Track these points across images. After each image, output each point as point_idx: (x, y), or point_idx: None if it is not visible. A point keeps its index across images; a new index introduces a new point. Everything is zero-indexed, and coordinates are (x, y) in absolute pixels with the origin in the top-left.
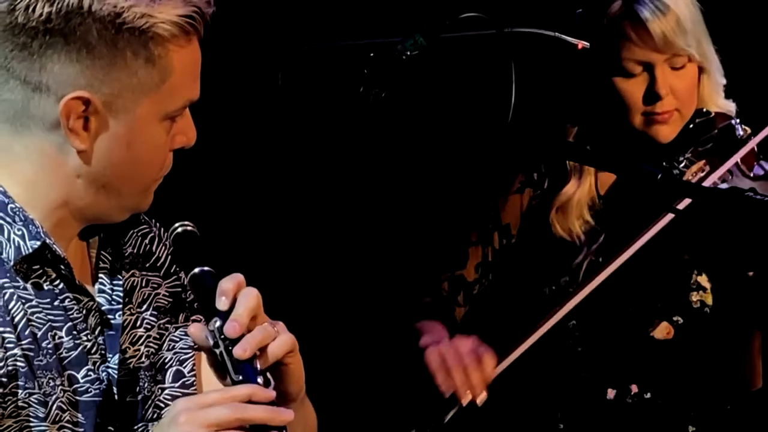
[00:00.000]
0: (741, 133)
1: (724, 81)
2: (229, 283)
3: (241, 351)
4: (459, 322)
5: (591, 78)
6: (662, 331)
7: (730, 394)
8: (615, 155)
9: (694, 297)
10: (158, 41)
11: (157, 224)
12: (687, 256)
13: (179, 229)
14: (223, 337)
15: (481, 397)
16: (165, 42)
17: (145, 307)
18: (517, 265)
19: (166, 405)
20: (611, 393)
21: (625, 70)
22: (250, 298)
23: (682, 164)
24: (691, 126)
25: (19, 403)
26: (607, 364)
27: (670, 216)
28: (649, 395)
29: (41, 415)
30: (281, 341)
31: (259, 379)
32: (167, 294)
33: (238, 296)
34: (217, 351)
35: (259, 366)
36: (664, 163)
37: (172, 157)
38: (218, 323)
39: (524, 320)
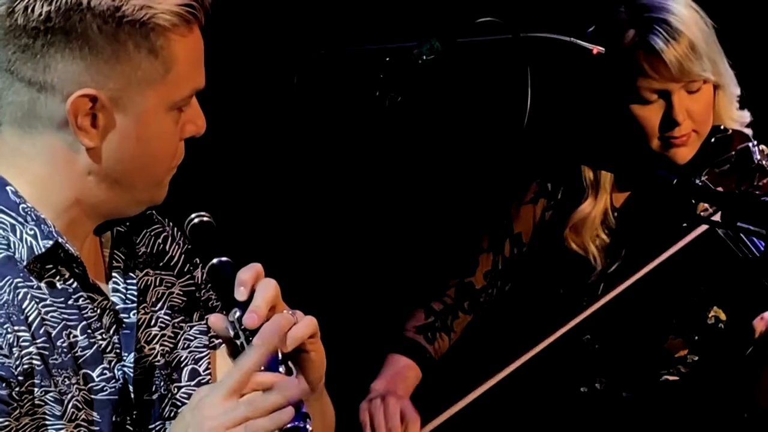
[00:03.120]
0: (758, 156)
1: (738, 91)
2: (247, 273)
3: (260, 341)
4: (463, 330)
5: (607, 103)
6: (677, 347)
7: (743, 409)
8: (631, 162)
9: (710, 313)
10: (159, 32)
11: (170, 224)
12: (702, 287)
13: (195, 220)
14: (243, 327)
15: None
16: (166, 32)
17: (159, 305)
18: (530, 278)
19: (183, 404)
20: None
21: (641, 97)
22: (269, 288)
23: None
24: (709, 143)
25: (36, 401)
26: (620, 379)
27: (686, 237)
28: (662, 411)
29: (57, 413)
30: (302, 326)
31: (281, 368)
32: (181, 293)
33: (257, 287)
34: (238, 342)
35: (280, 355)
36: None
37: (184, 147)
38: (238, 314)
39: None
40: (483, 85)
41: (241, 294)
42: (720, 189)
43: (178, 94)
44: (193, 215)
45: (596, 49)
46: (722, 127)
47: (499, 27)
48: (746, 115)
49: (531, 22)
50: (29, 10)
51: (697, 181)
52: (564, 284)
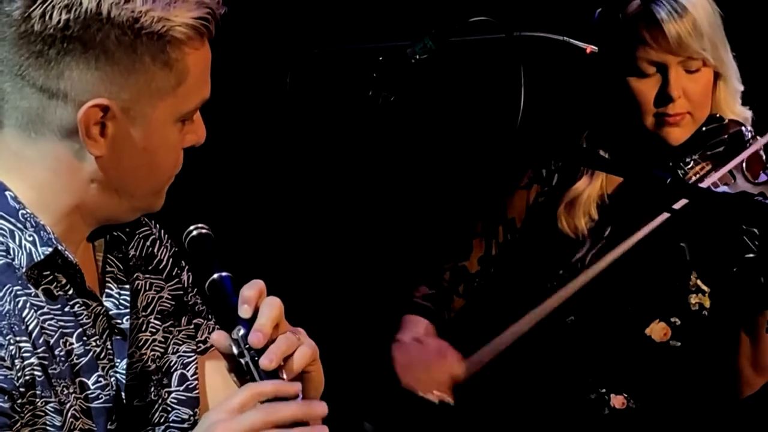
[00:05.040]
0: (749, 137)
1: (741, 87)
2: (252, 290)
3: (267, 362)
4: (456, 313)
5: (605, 77)
6: (659, 332)
7: (724, 398)
8: (624, 159)
9: (693, 299)
10: (175, 44)
11: (157, 225)
12: (687, 258)
13: (194, 233)
14: (248, 346)
15: (440, 396)
16: (181, 45)
17: (149, 311)
18: (520, 260)
19: (173, 408)
20: (614, 399)
21: (639, 69)
22: (273, 307)
23: (689, 166)
24: (705, 129)
25: (36, 412)
26: (603, 364)
27: (666, 214)
28: (644, 400)
29: (57, 423)
30: (304, 351)
31: None
32: (170, 297)
33: (261, 305)
34: (243, 361)
35: (285, 376)
36: (670, 164)
37: (183, 156)
38: (242, 332)
39: (511, 314)
40: (476, 85)
41: (245, 311)
42: (709, 168)
43: (186, 106)
44: (191, 227)
45: (589, 48)
46: (718, 116)
47: (492, 26)
48: (748, 113)
49: (524, 21)
50: (47, 17)
51: (688, 160)
52: (552, 265)
